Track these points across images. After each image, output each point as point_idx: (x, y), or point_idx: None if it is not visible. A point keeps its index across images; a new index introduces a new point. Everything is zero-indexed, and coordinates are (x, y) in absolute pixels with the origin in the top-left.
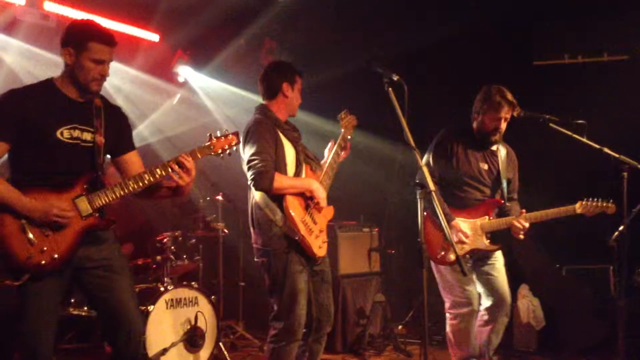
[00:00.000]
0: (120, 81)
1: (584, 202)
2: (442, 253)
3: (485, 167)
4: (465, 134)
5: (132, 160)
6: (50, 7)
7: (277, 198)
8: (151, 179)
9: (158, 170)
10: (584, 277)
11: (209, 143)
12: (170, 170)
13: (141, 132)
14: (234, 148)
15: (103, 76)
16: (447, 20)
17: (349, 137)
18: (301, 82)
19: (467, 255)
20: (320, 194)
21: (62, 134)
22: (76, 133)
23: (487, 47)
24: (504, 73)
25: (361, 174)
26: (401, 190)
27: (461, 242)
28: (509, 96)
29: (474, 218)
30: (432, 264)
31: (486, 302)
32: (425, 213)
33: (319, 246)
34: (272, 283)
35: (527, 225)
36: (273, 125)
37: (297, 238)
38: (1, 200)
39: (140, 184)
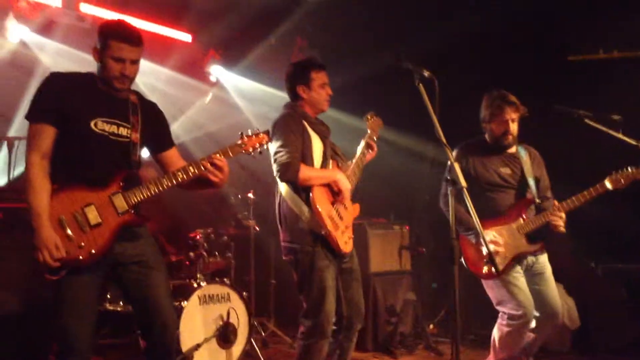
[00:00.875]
0: (154, 80)
1: (612, 175)
2: (487, 267)
3: (508, 170)
4: (478, 145)
5: (172, 157)
6: (85, 8)
7: (304, 192)
8: (185, 177)
9: (191, 169)
10: (620, 276)
11: (240, 141)
12: (203, 168)
13: (174, 130)
14: (265, 147)
15: (124, 75)
16: (479, 17)
17: (375, 138)
18: (322, 75)
19: (513, 262)
20: (346, 184)
21: (95, 124)
22: (111, 127)
23: (520, 43)
24: (538, 69)
25: (391, 172)
26: (432, 188)
27: (497, 253)
28: (510, 98)
29: (508, 223)
30: (484, 281)
31: (535, 312)
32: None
33: (345, 242)
34: (300, 280)
35: (563, 215)
36: (300, 119)
37: (323, 233)
38: (28, 203)
39: (174, 182)
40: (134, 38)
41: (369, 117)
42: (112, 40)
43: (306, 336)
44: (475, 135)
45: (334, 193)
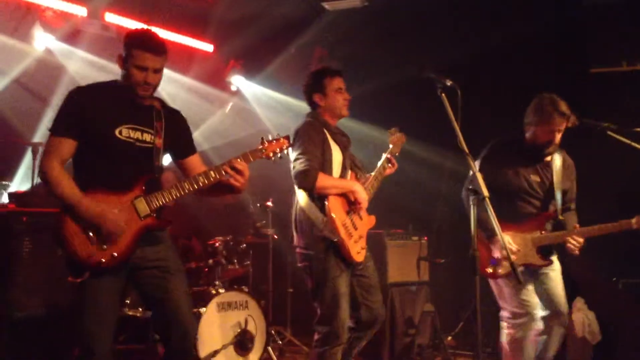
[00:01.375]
0: (176, 89)
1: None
2: (491, 267)
3: (537, 179)
4: (515, 145)
5: (195, 163)
6: (110, 18)
7: (320, 200)
8: (206, 181)
9: (212, 174)
10: None
11: (261, 146)
12: (223, 173)
13: (195, 138)
14: (285, 152)
15: (147, 83)
16: (502, 28)
17: (397, 153)
18: (337, 80)
19: (522, 268)
20: (362, 195)
21: (120, 132)
22: (136, 134)
23: (543, 55)
24: (561, 81)
25: (410, 182)
26: (450, 198)
27: (507, 258)
28: (563, 107)
29: (524, 232)
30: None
31: (542, 312)
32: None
33: (357, 251)
34: (314, 287)
35: (581, 241)
36: (322, 128)
37: (336, 240)
38: (64, 200)
39: (196, 186)
40: (157, 47)
41: (392, 132)
42: (135, 49)
43: (321, 343)
44: None
45: (350, 203)
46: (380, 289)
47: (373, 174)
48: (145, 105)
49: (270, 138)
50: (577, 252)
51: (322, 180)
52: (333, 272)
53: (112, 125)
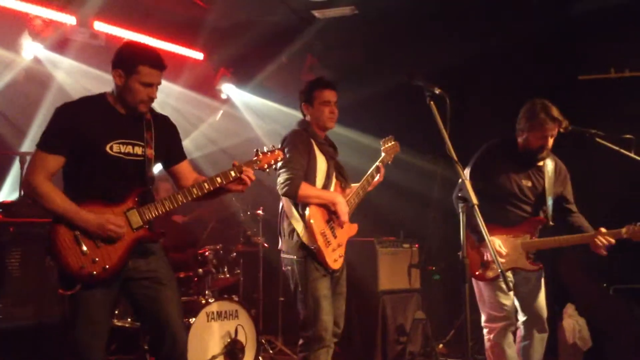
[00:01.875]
0: (166, 97)
1: (631, 227)
2: (481, 269)
3: (529, 184)
4: (508, 149)
5: (185, 170)
6: (99, 26)
7: (302, 208)
8: (199, 193)
9: (206, 185)
10: (633, 297)
11: (255, 158)
12: (217, 183)
13: (186, 146)
14: (279, 164)
15: (151, 98)
16: (490, 36)
17: (389, 162)
18: (326, 93)
19: (509, 272)
20: (343, 208)
21: (111, 148)
22: (127, 148)
23: (531, 62)
24: (549, 88)
25: (401, 189)
26: (442, 206)
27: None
28: (555, 112)
29: (515, 236)
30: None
31: (521, 317)
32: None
33: (334, 259)
34: (296, 290)
35: (613, 241)
36: (309, 137)
37: (313, 248)
38: (60, 212)
39: (189, 197)
40: (162, 63)
41: (386, 141)
42: (141, 65)
43: (305, 347)
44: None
45: (331, 213)
46: (372, 296)
47: (360, 183)
48: (136, 117)
49: (265, 150)
50: (604, 251)
51: (305, 190)
52: (313, 275)
53: (102, 141)
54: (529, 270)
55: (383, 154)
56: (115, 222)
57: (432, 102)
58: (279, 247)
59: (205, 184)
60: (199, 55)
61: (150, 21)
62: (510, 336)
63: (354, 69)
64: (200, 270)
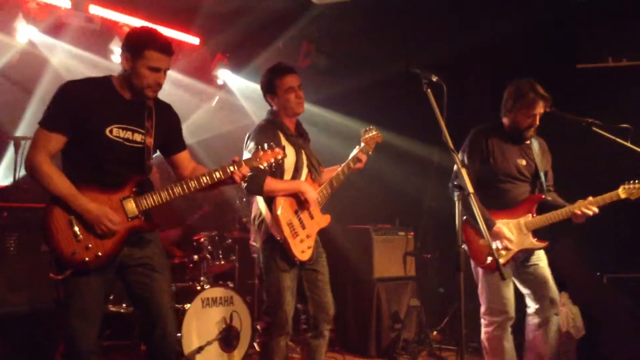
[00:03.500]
0: None
1: (626, 186)
2: (490, 259)
3: (523, 162)
4: (497, 131)
5: (184, 160)
6: (95, 10)
7: (270, 199)
8: (197, 186)
9: (204, 179)
10: (626, 286)
11: (256, 155)
12: (215, 177)
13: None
14: (280, 162)
15: (158, 84)
16: (489, 24)
17: (369, 152)
18: (288, 79)
19: (519, 255)
20: (311, 195)
21: (111, 131)
22: (126, 134)
23: (529, 50)
24: (547, 76)
25: (397, 177)
26: (437, 194)
27: (506, 248)
28: (541, 90)
29: (516, 217)
30: (473, 267)
31: (534, 305)
32: (464, 219)
33: (301, 250)
34: (261, 279)
35: (596, 210)
36: (276, 129)
37: (279, 238)
38: (59, 194)
39: (187, 190)
40: (170, 48)
41: (367, 131)
42: (149, 50)
43: (266, 333)
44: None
45: (300, 202)
46: (367, 284)
47: (338, 170)
48: (138, 104)
49: (265, 147)
50: (582, 220)
51: (270, 185)
52: (279, 267)
53: (103, 123)
54: (538, 248)
55: (362, 144)
56: (113, 218)
57: (429, 90)
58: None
59: (204, 178)
60: (195, 40)
61: (146, 5)
62: (509, 330)
63: (350, 56)
64: (196, 256)
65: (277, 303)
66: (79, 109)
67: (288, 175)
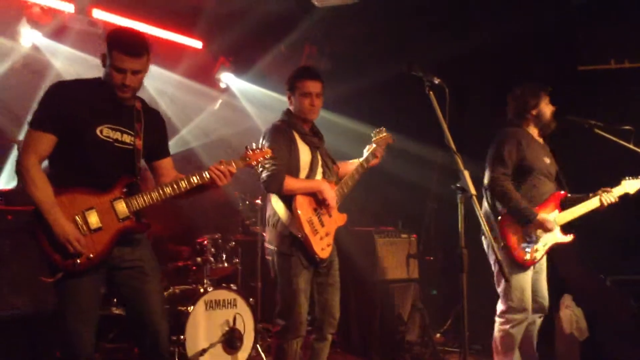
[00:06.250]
0: (164, 86)
1: (627, 179)
2: (529, 255)
3: (548, 160)
4: (521, 133)
5: (167, 167)
6: (98, 14)
7: (288, 198)
8: (187, 186)
9: (194, 178)
10: (630, 288)
11: (245, 155)
12: (206, 177)
13: (184, 136)
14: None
15: (125, 85)
16: (490, 26)
17: (381, 153)
18: (307, 84)
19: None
20: (330, 193)
21: (101, 131)
22: (116, 134)
23: (531, 52)
24: (548, 78)
25: (400, 179)
26: (440, 196)
27: (542, 242)
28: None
29: (548, 212)
30: (495, 264)
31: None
32: (502, 215)
33: (322, 248)
34: (276, 280)
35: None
36: (291, 129)
37: (300, 236)
38: (36, 202)
39: (177, 190)
40: (136, 50)
41: (377, 132)
42: (114, 50)
43: (280, 335)
44: (488, 143)
45: (319, 201)
46: (371, 286)
47: (349, 172)
48: (127, 106)
49: (254, 146)
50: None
51: (289, 184)
52: (294, 269)
53: (93, 123)
54: (567, 242)
55: (374, 145)
56: (82, 242)
57: (431, 92)
58: (264, 238)
59: (194, 178)
60: (197, 44)
61: (148, 9)
62: (523, 330)
63: (352, 58)
64: (199, 259)
65: (291, 305)
66: (69, 109)
67: (303, 173)
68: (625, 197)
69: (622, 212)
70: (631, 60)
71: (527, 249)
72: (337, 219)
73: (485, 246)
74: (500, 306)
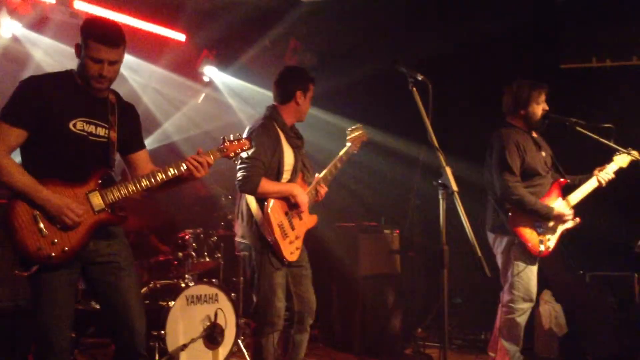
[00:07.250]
0: (147, 79)
1: (617, 154)
2: (543, 246)
3: (543, 154)
4: (517, 132)
5: (142, 159)
6: (79, 5)
7: (262, 199)
8: (164, 177)
9: (171, 170)
10: (608, 284)
11: (222, 146)
12: (183, 168)
13: (166, 129)
14: (244, 154)
15: (102, 76)
16: (473, 23)
17: (355, 151)
18: (313, 89)
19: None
20: (302, 198)
21: (75, 125)
22: (90, 127)
23: (513, 50)
24: (531, 76)
25: (383, 175)
26: (423, 192)
27: (553, 230)
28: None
29: (550, 203)
30: (501, 255)
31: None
32: (510, 214)
33: (290, 252)
34: (252, 276)
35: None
36: (277, 130)
37: (269, 239)
38: (19, 189)
39: (154, 182)
40: (113, 39)
41: (352, 130)
42: (90, 40)
43: (258, 331)
44: (470, 140)
45: (291, 205)
46: (352, 281)
47: (323, 174)
48: (101, 98)
49: (231, 138)
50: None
51: (264, 187)
52: (271, 265)
53: (66, 117)
54: (575, 226)
55: (348, 144)
56: (76, 209)
57: (414, 89)
58: (235, 232)
59: (170, 170)
60: (180, 37)
61: (131, 1)
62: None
63: (337, 53)
64: (181, 253)
65: (268, 299)
66: (42, 103)
67: (287, 176)
68: (620, 172)
69: (599, 209)
70: (613, 59)
71: (540, 243)
72: (307, 222)
73: (490, 241)
74: (505, 296)
